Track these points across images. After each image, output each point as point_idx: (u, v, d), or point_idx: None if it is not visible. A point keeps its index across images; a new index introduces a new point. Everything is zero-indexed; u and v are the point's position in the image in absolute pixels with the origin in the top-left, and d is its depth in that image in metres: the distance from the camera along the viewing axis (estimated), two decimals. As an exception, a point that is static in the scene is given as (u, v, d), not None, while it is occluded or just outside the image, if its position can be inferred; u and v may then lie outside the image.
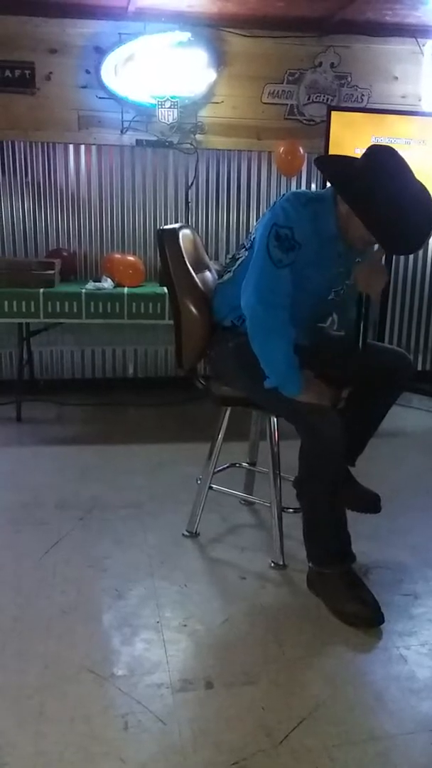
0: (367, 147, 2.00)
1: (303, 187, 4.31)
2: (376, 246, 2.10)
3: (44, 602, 2.07)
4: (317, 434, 1.99)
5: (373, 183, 1.91)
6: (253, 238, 2.10)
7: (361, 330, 2.09)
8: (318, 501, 2.06)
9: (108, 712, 1.64)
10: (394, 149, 1.96)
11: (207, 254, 2.58)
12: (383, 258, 2.19)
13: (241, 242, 2.28)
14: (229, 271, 2.24)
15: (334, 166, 2.12)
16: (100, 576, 2.23)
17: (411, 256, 4.51)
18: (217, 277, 2.45)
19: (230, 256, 2.31)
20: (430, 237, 2.03)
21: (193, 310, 2.29)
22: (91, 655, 1.84)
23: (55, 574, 2.23)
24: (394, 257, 4.27)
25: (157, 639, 1.92)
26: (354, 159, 2.06)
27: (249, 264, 2.07)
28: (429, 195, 1.96)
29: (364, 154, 1.99)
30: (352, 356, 2.31)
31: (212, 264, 2.59)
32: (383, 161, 1.94)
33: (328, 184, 2.10)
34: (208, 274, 2.47)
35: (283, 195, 2.06)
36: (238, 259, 2.21)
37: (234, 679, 1.77)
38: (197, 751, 1.53)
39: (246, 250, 2.17)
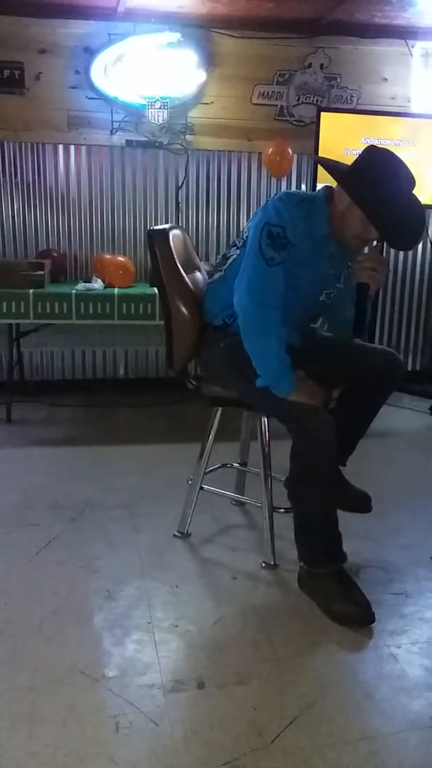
0: (363, 148, 2.03)
1: (293, 188, 4.32)
2: (366, 249, 2.12)
3: (36, 603, 2.07)
4: (309, 435, 1.99)
5: (379, 178, 1.94)
6: (245, 237, 2.10)
7: (363, 316, 2.10)
8: (309, 501, 2.06)
9: (100, 713, 1.64)
10: (391, 151, 1.99)
11: (197, 255, 2.58)
12: None
13: (231, 242, 2.29)
14: (220, 270, 2.24)
15: (334, 165, 2.13)
16: (92, 577, 2.23)
17: (401, 257, 4.53)
18: (207, 277, 2.45)
19: (221, 255, 2.30)
20: (422, 238, 2.06)
21: (184, 310, 2.29)
22: (83, 656, 1.84)
23: (46, 575, 2.22)
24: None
25: (149, 640, 1.91)
26: (345, 164, 2.09)
27: (241, 263, 2.08)
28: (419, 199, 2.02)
29: (364, 154, 2.01)
30: (349, 345, 2.31)
31: (203, 264, 2.59)
32: (384, 159, 1.98)
33: (319, 186, 2.11)
34: (198, 274, 2.47)
35: (275, 195, 2.07)
36: (229, 257, 2.21)
37: (225, 679, 1.77)
38: (189, 751, 1.53)
39: (237, 248, 2.17)
